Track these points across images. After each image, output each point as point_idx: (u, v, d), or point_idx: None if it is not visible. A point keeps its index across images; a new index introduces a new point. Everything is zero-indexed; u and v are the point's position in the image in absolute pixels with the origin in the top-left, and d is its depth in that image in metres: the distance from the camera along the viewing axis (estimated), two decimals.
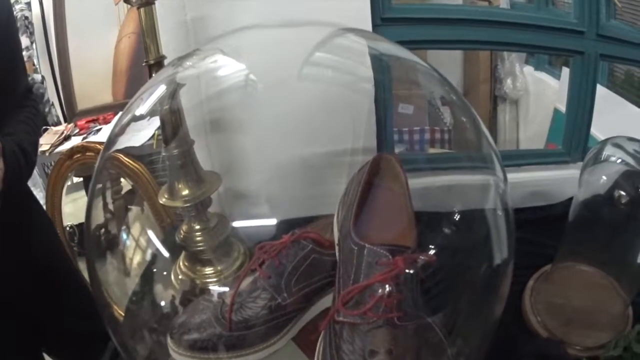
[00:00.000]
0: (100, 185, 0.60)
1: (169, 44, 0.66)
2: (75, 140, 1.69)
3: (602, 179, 0.56)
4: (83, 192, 1.86)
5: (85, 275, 0.89)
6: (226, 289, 0.58)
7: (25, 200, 0.91)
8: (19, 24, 1.97)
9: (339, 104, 0.69)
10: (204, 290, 0.61)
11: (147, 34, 0.63)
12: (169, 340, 0.52)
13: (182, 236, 0.65)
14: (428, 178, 0.69)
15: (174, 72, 0.59)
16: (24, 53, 1.04)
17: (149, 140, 1.03)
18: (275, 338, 0.51)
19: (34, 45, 2.14)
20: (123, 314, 0.57)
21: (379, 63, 0.64)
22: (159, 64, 0.64)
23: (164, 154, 0.64)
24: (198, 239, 0.64)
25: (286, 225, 0.55)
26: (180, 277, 0.64)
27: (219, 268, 0.64)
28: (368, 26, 0.71)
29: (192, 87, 0.62)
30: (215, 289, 0.62)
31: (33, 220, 0.92)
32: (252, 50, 0.60)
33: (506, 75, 1.96)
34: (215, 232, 0.65)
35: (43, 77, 2.12)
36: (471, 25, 0.75)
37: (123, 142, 0.57)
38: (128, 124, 0.56)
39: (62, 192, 1.53)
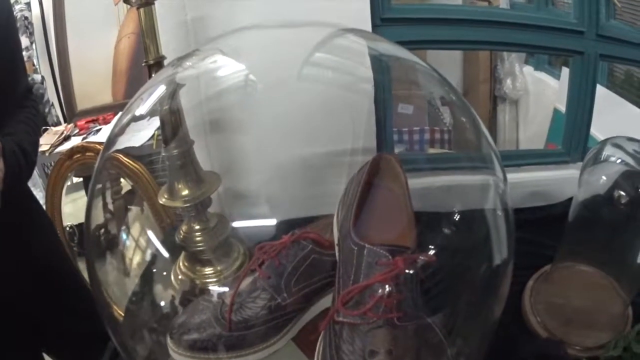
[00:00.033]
0: (100, 186, 0.60)
1: (168, 44, 0.66)
2: (75, 141, 1.69)
3: (602, 179, 0.56)
4: (83, 192, 1.85)
5: (85, 275, 0.89)
6: (226, 289, 0.58)
7: (25, 200, 0.91)
8: (18, 24, 1.97)
9: (339, 104, 0.69)
10: (204, 291, 0.61)
11: (146, 34, 0.63)
12: (168, 340, 0.52)
13: (181, 236, 0.65)
14: (428, 178, 0.69)
15: (174, 73, 0.59)
16: (24, 53, 1.04)
17: (148, 140, 1.03)
18: (275, 338, 0.51)
19: (33, 45, 2.14)
20: (123, 314, 0.57)
21: (379, 63, 0.64)
22: (158, 64, 0.64)
23: (163, 154, 0.64)
24: (198, 239, 0.64)
25: (286, 226, 0.55)
26: (180, 277, 0.64)
27: (218, 268, 0.64)
28: (368, 26, 0.71)
29: (192, 87, 0.62)
30: (215, 289, 0.62)
31: (33, 220, 0.92)
32: (252, 51, 0.60)
33: (506, 75, 1.96)
34: (215, 232, 0.65)
35: (43, 78, 2.12)
36: (471, 26, 0.75)
37: (123, 142, 0.57)
38: (128, 124, 0.56)
39: (62, 192, 1.52)
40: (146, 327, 0.56)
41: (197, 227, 0.65)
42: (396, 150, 1.03)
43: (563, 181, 0.80)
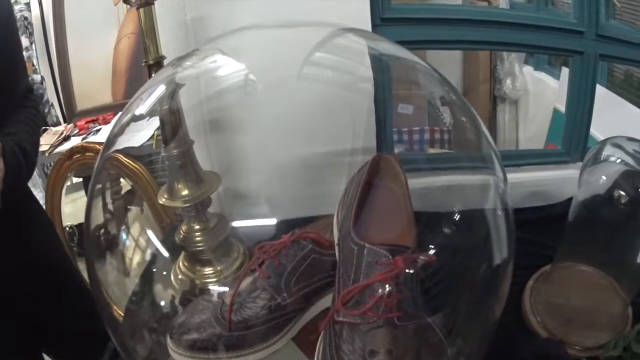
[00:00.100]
0: (99, 186, 0.60)
1: (168, 44, 0.66)
2: (75, 141, 1.69)
3: (602, 179, 0.56)
4: (83, 193, 1.85)
5: (85, 275, 0.89)
6: (226, 289, 0.58)
7: (25, 200, 0.90)
8: (18, 25, 1.97)
9: (339, 104, 0.69)
10: (204, 290, 0.61)
11: (146, 35, 0.63)
12: (168, 340, 0.52)
13: (181, 236, 0.65)
14: (428, 178, 0.69)
15: (174, 72, 0.59)
16: (24, 53, 1.04)
17: (148, 140, 1.03)
18: (275, 338, 0.51)
19: (33, 45, 2.14)
20: (123, 314, 0.57)
21: (379, 63, 0.64)
22: (158, 64, 0.64)
23: (163, 154, 0.64)
24: (198, 239, 0.64)
25: (286, 225, 0.55)
26: (179, 277, 0.64)
27: (218, 268, 0.64)
28: (368, 26, 0.71)
29: (192, 87, 0.62)
30: (215, 289, 0.62)
31: (33, 220, 0.92)
32: (252, 50, 0.60)
33: (505, 75, 1.96)
34: (215, 232, 0.65)
35: (42, 78, 2.12)
36: (471, 25, 0.75)
37: (122, 143, 0.57)
38: (127, 124, 0.56)
39: (62, 192, 1.52)
40: (146, 327, 0.56)
41: (197, 227, 0.65)
42: (396, 150, 1.03)
43: (563, 181, 0.80)
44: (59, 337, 0.95)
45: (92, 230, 0.60)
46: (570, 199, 0.60)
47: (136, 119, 0.56)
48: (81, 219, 1.46)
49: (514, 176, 0.80)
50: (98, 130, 1.78)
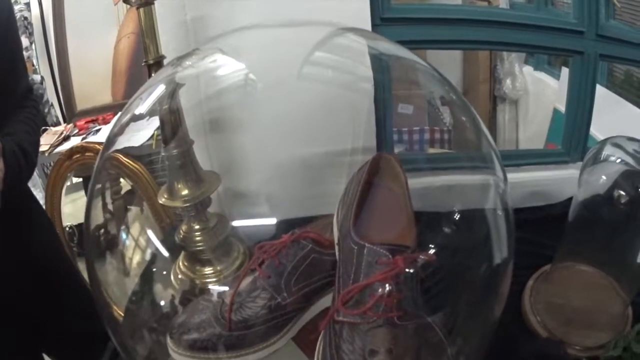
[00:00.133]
0: (99, 186, 0.60)
1: (168, 44, 0.66)
2: (75, 141, 1.69)
3: (602, 179, 0.56)
4: (82, 193, 1.85)
5: (85, 275, 0.89)
6: (226, 288, 0.57)
7: (25, 200, 0.90)
8: (18, 25, 1.97)
9: (339, 104, 0.69)
10: (204, 290, 0.61)
11: (146, 34, 0.63)
12: (168, 340, 0.52)
13: (181, 236, 0.65)
14: (428, 178, 0.69)
15: (173, 72, 0.59)
16: (24, 53, 1.04)
17: (148, 140, 1.03)
18: (275, 338, 0.51)
19: (33, 45, 2.14)
20: (123, 314, 0.57)
21: (379, 63, 0.64)
22: (158, 64, 0.64)
23: (163, 154, 0.64)
24: (198, 238, 0.64)
25: (286, 225, 0.55)
26: (179, 277, 0.64)
27: (218, 268, 0.64)
28: (367, 26, 0.71)
29: (192, 86, 0.62)
30: (215, 288, 0.62)
31: (33, 220, 0.92)
32: (252, 50, 0.60)
33: (505, 75, 1.96)
34: (215, 232, 0.65)
35: (42, 78, 2.12)
36: (471, 25, 0.75)
37: (122, 142, 0.57)
38: (127, 124, 0.56)
39: (62, 192, 1.52)
40: (146, 327, 0.56)
41: (197, 226, 0.65)
42: (396, 150, 1.03)
43: (563, 181, 0.80)
44: (59, 337, 0.95)
45: (92, 230, 0.60)
46: (570, 199, 0.60)
47: (136, 118, 0.56)
48: (81, 219, 1.46)
49: (514, 176, 0.80)
50: (98, 130, 1.78)
